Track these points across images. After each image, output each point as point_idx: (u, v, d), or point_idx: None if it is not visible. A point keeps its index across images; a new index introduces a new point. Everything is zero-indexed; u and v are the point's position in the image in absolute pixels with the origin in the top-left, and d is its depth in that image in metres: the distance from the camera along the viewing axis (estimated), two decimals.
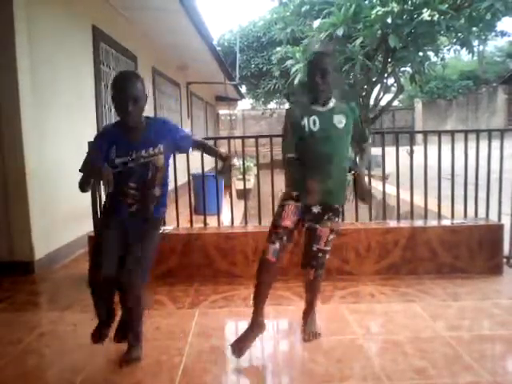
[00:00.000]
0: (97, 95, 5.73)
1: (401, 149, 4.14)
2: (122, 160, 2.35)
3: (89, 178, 2.46)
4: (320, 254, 2.60)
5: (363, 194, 2.59)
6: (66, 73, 4.92)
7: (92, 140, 2.49)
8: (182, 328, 2.89)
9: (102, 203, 2.66)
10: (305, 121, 2.50)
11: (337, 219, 2.62)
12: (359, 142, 2.70)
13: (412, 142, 4.17)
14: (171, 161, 4.09)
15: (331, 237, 2.61)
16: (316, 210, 2.57)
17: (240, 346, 2.47)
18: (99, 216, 2.64)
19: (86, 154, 2.49)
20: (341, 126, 2.51)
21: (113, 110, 6.31)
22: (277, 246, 2.48)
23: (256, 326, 2.55)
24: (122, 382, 2.31)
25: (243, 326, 3.09)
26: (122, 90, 2.23)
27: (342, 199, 2.64)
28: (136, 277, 2.30)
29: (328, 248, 2.62)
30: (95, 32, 5.67)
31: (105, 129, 2.55)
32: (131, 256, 2.31)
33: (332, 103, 2.54)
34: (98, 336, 2.45)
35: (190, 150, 2.79)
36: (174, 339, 2.72)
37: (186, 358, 2.50)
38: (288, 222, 2.52)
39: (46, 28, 4.51)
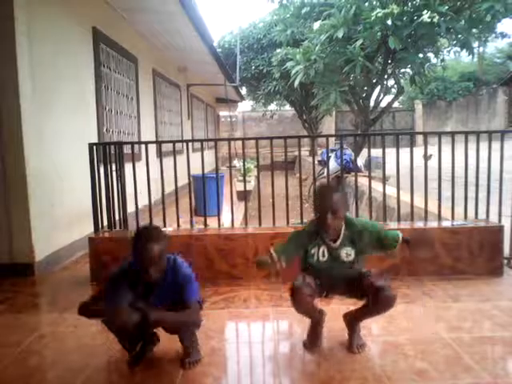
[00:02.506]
0: (97, 96, 5.74)
1: (403, 150, 4.13)
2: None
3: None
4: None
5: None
6: (66, 74, 4.93)
7: (110, 278, 2.35)
8: None
9: None
10: (316, 249, 2.51)
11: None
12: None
13: (412, 144, 4.17)
14: (171, 162, 4.11)
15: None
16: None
17: (314, 341, 2.61)
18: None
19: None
20: (348, 259, 2.49)
21: (113, 111, 6.33)
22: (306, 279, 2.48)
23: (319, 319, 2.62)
24: (122, 383, 2.31)
25: (244, 327, 3.10)
26: (144, 252, 2.17)
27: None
28: None
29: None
30: (96, 33, 5.68)
31: (123, 269, 2.37)
32: None
33: (341, 237, 2.48)
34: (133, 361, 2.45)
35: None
36: (174, 341, 2.71)
37: None
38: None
39: (46, 29, 4.52)
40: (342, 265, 2.51)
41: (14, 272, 4.08)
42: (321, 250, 2.51)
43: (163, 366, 2.45)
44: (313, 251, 2.52)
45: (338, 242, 2.49)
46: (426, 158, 4.09)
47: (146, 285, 2.30)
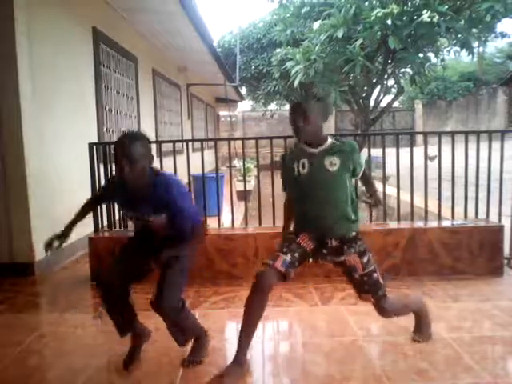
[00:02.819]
0: (97, 96, 5.74)
1: (403, 150, 4.13)
2: (125, 212, 2.42)
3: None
4: (365, 278, 2.37)
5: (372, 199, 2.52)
6: (66, 74, 4.93)
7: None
8: None
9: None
10: (295, 164, 2.40)
11: (359, 242, 2.42)
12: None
13: (412, 144, 4.17)
14: (171, 162, 4.11)
15: (365, 259, 2.39)
16: (334, 243, 2.41)
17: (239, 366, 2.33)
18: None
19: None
20: (333, 168, 2.33)
21: (113, 111, 6.33)
22: (288, 257, 2.34)
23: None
24: (122, 383, 2.31)
25: None
26: (117, 150, 2.14)
27: (351, 229, 2.42)
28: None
29: (370, 268, 2.39)
30: (95, 33, 5.68)
31: (111, 181, 2.47)
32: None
33: (327, 144, 2.38)
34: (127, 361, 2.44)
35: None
36: (174, 340, 2.71)
37: None
38: (304, 243, 2.43)
39: (46, 29, 4.52)
40: (325, 174, 2.34)
41: (14, 272, 4.08)
42: (301, 162, 2.38)
43: (163, 366, 2.45)
44: (294, 165, 2.40)
45: (321, 149, 2.37)
46: (427, 157, 4.09)
47: (131, 197, 2.28)
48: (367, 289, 2.39)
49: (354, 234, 2.42)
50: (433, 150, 4.35)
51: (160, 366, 2.45)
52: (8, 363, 2.54)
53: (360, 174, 2.43)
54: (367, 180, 2.54)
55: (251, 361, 2.49)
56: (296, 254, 2.37)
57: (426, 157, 4.14)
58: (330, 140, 2.40)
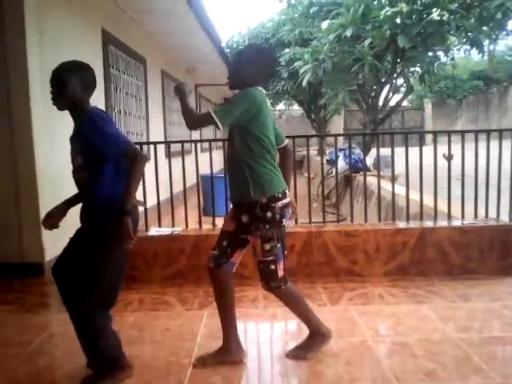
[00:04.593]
0: (106, 98, 5.77)
1: (413, 149, 4.11)
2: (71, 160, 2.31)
3: None
4: (260, 266, 2.37)
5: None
6: None
7: None
8: (190, 329, 2.89)
9: None
10: None
11: (267, 226, 2.29)
12: None
13: (422, 143, 4.14)
14: (179, 163, 4.11)
15: (268, 246, 2.31)
16: (244, 219, 2.34)
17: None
18: None
19: None
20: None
21: (122, 112, 6.36)
22: (215, 252, 2.46)
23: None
24: (131, 382, 2.32)
25: (252, 327, 3.11)
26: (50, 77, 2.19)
27: (246, 196, 2.30)
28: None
29: (268, 258, 2.33)
30: (104, 35, 5.71)
31: None
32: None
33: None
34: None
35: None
36: (182, 340, 2.72)
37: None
38: (226, 226, 2.49)
39: (56, 31, 4.55)
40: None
41: (24, 272, 4.11)
42: None
43: (172, 366, 2.45)
44: None
45: None
46: (436, 156, 4.06)
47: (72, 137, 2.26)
48: (261, 276, 2.40)
49: (250, 200, 2.29)
50: (440, 149, 4.31)
51: (169, 365, 2.45)
52: (18, 363, 2.57)
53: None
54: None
55: (259, 361, 2.49)
56: (224, 243, 2.46)
57: (436, 156, 4.10)
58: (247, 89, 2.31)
